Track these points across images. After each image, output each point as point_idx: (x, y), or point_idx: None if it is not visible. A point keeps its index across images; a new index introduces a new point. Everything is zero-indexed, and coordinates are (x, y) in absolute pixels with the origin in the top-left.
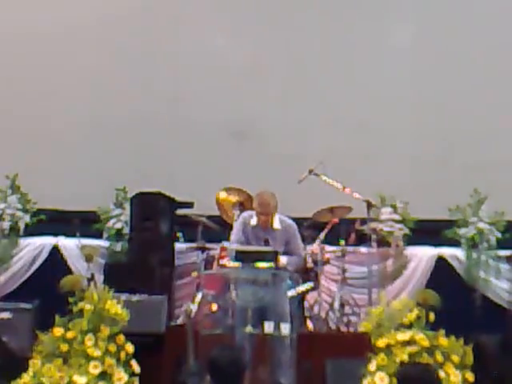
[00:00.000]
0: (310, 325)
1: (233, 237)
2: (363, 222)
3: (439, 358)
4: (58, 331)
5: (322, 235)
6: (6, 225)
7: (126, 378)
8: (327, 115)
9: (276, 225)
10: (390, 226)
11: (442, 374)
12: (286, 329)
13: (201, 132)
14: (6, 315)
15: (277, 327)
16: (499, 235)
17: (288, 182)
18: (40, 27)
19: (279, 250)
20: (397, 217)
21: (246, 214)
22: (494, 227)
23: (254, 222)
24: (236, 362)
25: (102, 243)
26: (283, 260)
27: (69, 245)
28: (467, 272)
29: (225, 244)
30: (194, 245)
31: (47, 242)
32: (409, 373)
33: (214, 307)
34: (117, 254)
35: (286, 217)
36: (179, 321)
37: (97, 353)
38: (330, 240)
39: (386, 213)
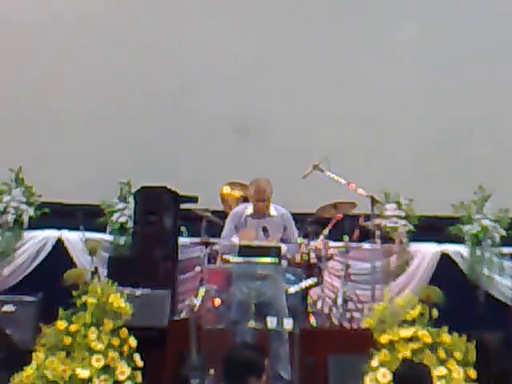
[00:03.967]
0: (313, 320)
1: (223, 232)
2: (367, 218)
3: (442, 354)
4: (61, 324)
5: (326, 231)
6: (10, 218)
7: (128, 371)
8: (331, 111)
9: (272, 212)
10: (393, 222)
11: (444, 370)
12: (288, 324)
13: (205, 127)
14: (9, 308)
15: (280, 322)
16: (503, 232)
17: (292, 178)
18: (43, 19)
19: (277, 236)
20: (401, 213)
21: (239, 206)
22: (498, 224)
23: (249, 211)
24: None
25: (106, 237)
26: (283, 248)
27: (73, 238)
28: (471, 269)
29: None
30: (197, 239)
31: (51, 235)
32: (402, 372)
33: (217, 302)
34: (120, 248)
35: (279, 206)
36: (182, 315)
37: (100, 346)
38: (334, 236)
39: (390, 209)
